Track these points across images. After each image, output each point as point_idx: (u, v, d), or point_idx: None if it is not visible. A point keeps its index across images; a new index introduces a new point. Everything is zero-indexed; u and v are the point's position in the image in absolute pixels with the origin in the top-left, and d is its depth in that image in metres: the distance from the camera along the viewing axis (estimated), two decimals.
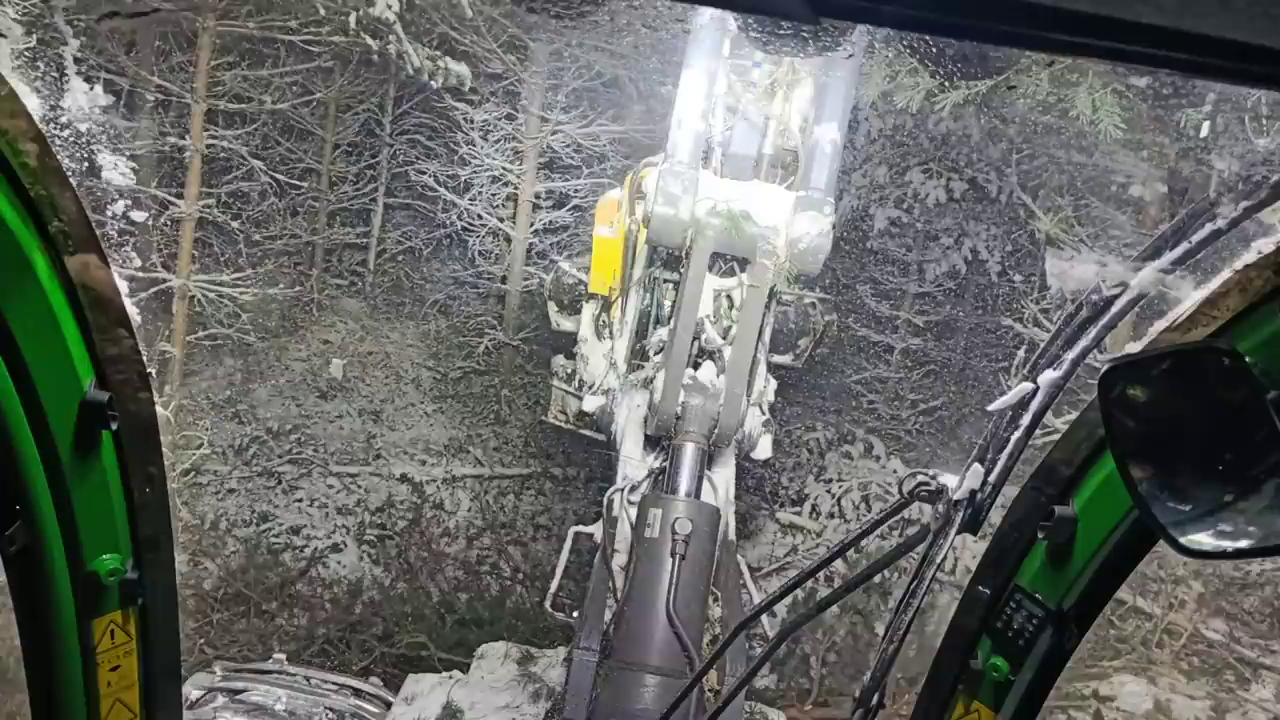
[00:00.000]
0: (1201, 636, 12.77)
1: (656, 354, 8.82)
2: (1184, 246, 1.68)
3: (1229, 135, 9.93)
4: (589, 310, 11.46)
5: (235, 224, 15.97)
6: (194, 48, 14.71)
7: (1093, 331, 1.85)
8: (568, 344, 12.41)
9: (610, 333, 10.61)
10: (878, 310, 17.29)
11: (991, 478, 2.00)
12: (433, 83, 14.40)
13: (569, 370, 11.69)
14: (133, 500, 1.87)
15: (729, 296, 8.44)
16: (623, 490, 7.88)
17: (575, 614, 8.01)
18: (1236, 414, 1.37)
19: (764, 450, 9.39)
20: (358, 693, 9.30)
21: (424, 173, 18.14)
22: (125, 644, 1.95)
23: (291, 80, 16.72)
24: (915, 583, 2.07)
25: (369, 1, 12.79)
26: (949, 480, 2.05)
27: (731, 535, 8.10)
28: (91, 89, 9.54)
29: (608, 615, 6.76)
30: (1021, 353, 14.28)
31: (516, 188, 17.91)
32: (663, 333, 8.73)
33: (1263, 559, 9.84)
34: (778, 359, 10.59)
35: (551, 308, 12.73)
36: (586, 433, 11.28)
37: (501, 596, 14.80)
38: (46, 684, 1.92)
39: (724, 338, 8.30)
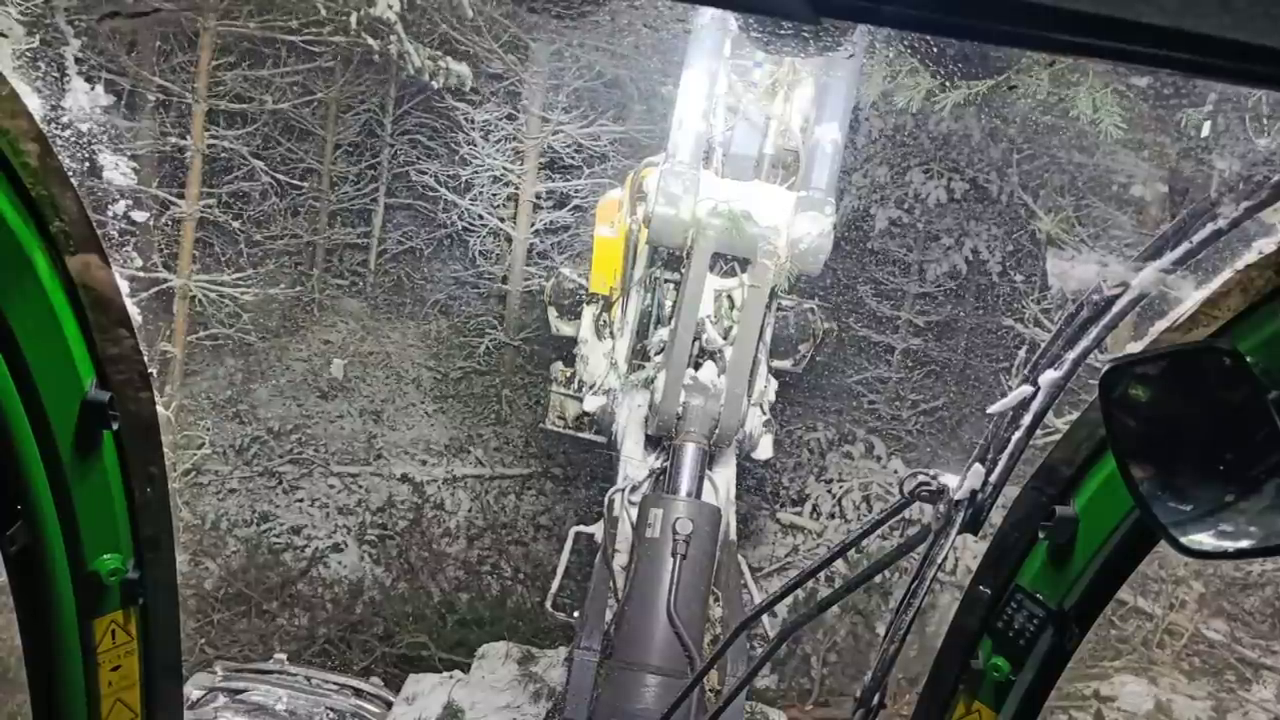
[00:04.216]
0: (1202, 637, 12.77)
1: (657, 354, 8.82)
2: (1185, 246, 1.68)
3: (1230, 135, 9.92)
4: (589, 312, 11.47)
5: (236, 224, 15.96)
6: (195, 48, 14.71)
7: (1094, 331, 1.85)
8: (567, 349, 12.42)
9: (611, 333, 10.62)
10: (878, 310, 17.29)
11: (992, 478, 2.00)
12: (433, 83, 14.40)
13: (568, 375, 11.70)
14: (133, 500, 1.87)
15: (730, 297, 8.45)
16: (624, 490, 7.89)
17: (576, 614, 8.01)
18: (1237, 414, 1.37)
19: (765, 450, 9.39)
20: (359, 693, 9.30)
21: (425, 173, 18.15)
22: (126, 644, 1.96)
23: (292, 80, 16.72)
24: (916, 583, 2.07)
25: (370, 1, 12.79)
26: (950, 480, 2.05)
27: (732, 535, 8.10)
28: (92, 89, 9.53)
29: (608, 615, 6.77)
30: (1022, 353, 14.28)
31: (517, 188, 17.92)
32: (663, 333, 8.74)
33: (1263, 559, 9.84)
34: (778, 364, 10.60)
35: (552, 313, 12.75)
36: (585, 436, 11.30)
37: (502, 596, 14.80)
38: (47, 684, 1.92)
39: (725, 338, 8.31)
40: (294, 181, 18.26)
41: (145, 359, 1.82)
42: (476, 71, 15.32)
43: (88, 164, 9.34)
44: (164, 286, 14.46)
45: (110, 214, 10.39)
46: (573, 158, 17.67)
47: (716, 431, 7.80)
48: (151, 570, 1.94)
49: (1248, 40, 0.82)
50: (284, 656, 9.77)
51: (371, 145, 19.55)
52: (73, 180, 1.61)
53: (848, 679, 13.07)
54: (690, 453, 7.64)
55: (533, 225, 18.04)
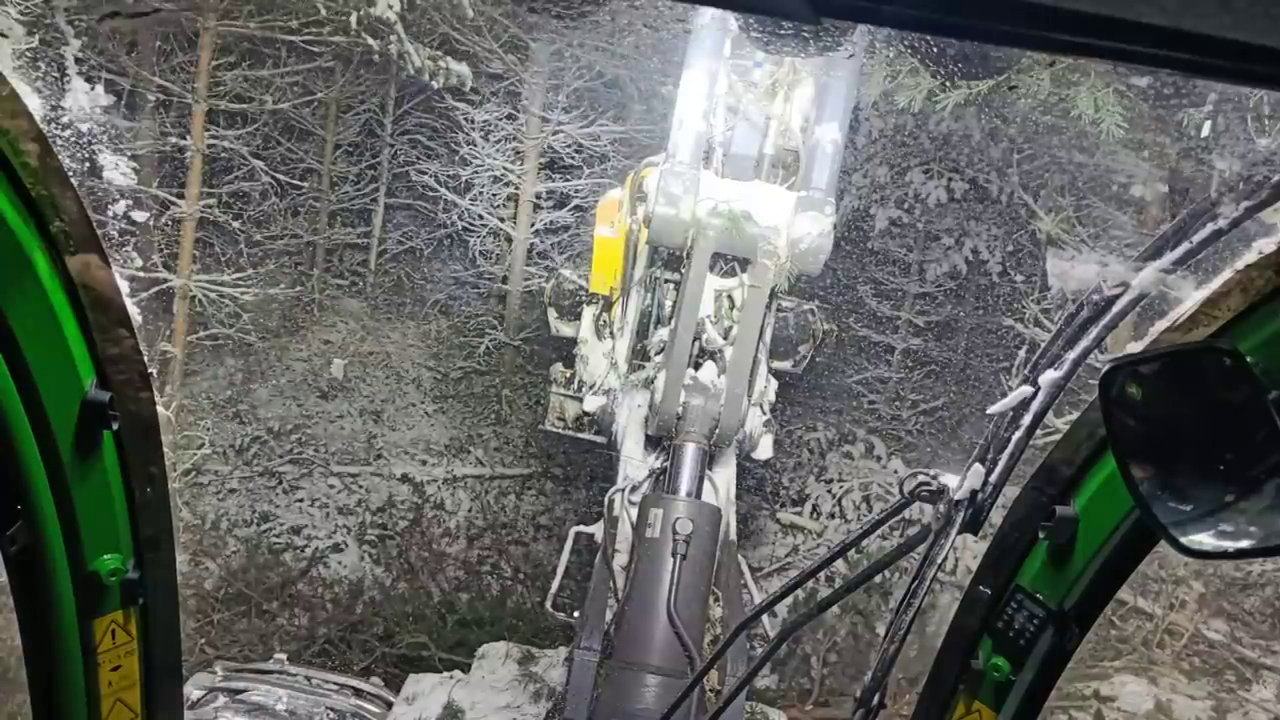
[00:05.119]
0: (1202, 637, 12.77)
1: (657, 354, 8.82)
2: (1185, 246, 1.68)
3: (1230, 135, 9.92)
4: (589, 312, 11.48)
5: (236, 224, 15.95)
6: (195, 48, 14.71)
7: (1094, 331, 1.85)
8: (567, 349, 12.43)
9: (611, 333, 10.62)
10: (878, 310, 17.28)
11: (992, 478, 2.00)
12: (433, 83, 14.39)
13: (567, 376, 11.72)
14: (134, 500, 1.87)
15: (730, 297, 8.45)
16: (624, 490, 7.89)
17: (576, 614, 8.02)
18: (1237, 414, 1.37)
19: (765, 450, 9.40)
20: (359, 693, 9.30)
21: (425, 173, 18.14)
22: (126, 644, 1.96)
23: (292, 80, 16.71)
24: (916, 583, 2.07)
25: (370, 1, 12.79)
26: (950, 480, 2.06)
27: (732, 535, 8.11)
28: (93, 89, 9.53)
29: (609, 615, 6.77)
30: (1022, 353, 14.27)
31: (517, 188, 17.92)
32: (664, 333, 8.74)
33: (1264, 559, 9.84)
34: (778, 365, 10.60)
35: (551, 314, 12.77)
36: (585, 436, 11.30)
37: (502, 596, 14.80)
38: (47, 684, 1.92)
39: (725, 338, 8.31)
40: (294, 181, 18.26)
41: (145, 359, 1.82)
42: (476, 71, 15.31)
43: (88, 164, 9.33)
44: (164, 286, 14.45)
45: (110, 214, 10.37)
46: (573, 158, 17.67)
47: (716, 431, 7.80)
48: (151, 570, 1.94)
49: (1248, 40, 0.82)
50: (284, 656, 9.76)
51: (371, 145, 19.55)
52: (73, 180, 1.61)
53: (848, 679, 13.07)
54: (690, 453, 7.65)
55: (533, 225, 18.04)
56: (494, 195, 17.90)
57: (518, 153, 17.73)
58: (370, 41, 13.42)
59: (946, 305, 17.29)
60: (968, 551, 10.58)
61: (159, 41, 15.44)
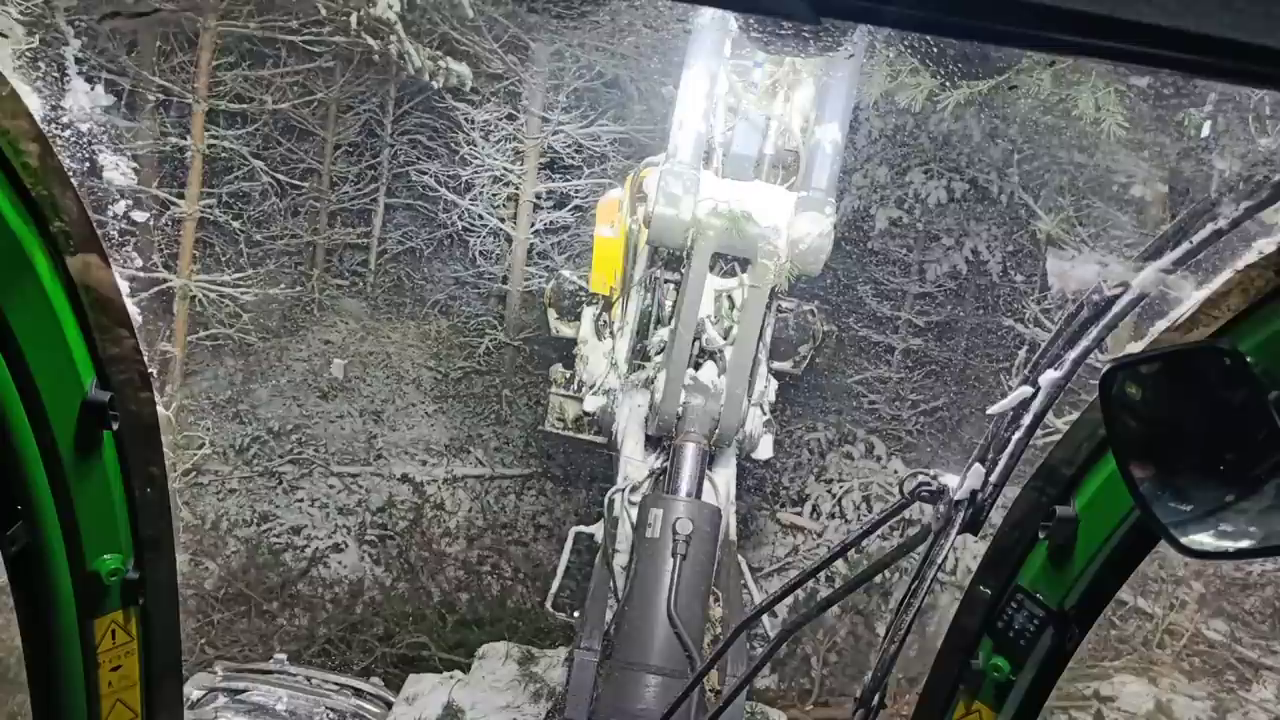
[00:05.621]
0: (1203, 637, 12.76)
1: (657, 354, 8.83)
2: (1185, 246, 1.68)
3: (1230, 135, 9.92)
4: (589, 312, 11.49)
5: (236, 224, 15.96)
6: (195, 48, 14.70)
7: (1094, 332, 1.85)
8: (567, 350, 12.44)
9: (611, 333, 10.62)
10: (879, 310, 17.29)
11: (992, 478, 2.00)
12: (434, 83, 14.39)
13: (567, 377, 11.73)
14: (134, 500, 1.87)
15: (730, 297, 8.46)
16: (624, 490, 7.89)
17: (576, 614, 8.02)
18: (1237, 414, 1.37)
19: (765, 450, 9.39)
20: (359, 693, 9.29)
21: (425, 173, 18.15)
22: (126, 644, 1.96)
23: (292, 80, 16.71)
24: (916, 583, 2.07)
25: (370, 1, 12.79)
26: (950, 480, 2.05)
27: (732, 535, 8.11)
28: (93, 89, 9.47)
29: (609, 615, 6.77)
30: (1022, 353, 14.28)
31: (517, 188, 17.92)
32: (664, 333, 8.75)
33: (1264, 559, 9.84)
34: (778, 365, 10.60)
35: (551, 314, 12.79)
36: (584, 437, 11.31)
37: (502, 596, 14.80)
38: (47, 684, 1.92)
39: (725, 338, 8.31)
40: (294, 181, 18.25)
41: (145, 359, 1.82)
42: (476, 71, 15.31)
43: (88, 164, 9.31)
44: (164, 286, 14.46)
45: (110, 214, 10.33)
46: (573, 158, 17.68)
47: (716, 431, 7.80)
48: (151, 570, 1.94)
49: (1248, 40, 0.82)
50: (284, 656, 9.74)
51: (371, 145, 19.54)
52: (73, 180, 1.61)
53: (848, 679, 13.07)
54: (690, 453, 7.65)
55: (533, 225, 18.05)
56: (494, 195, 17.91)
57: (518, 153, 17.73)
58: (370, 41, 13.42)
59: (946, 305, 17.29)
60: (968, 551, 10.58)
61: (159, 41, 15.42)
